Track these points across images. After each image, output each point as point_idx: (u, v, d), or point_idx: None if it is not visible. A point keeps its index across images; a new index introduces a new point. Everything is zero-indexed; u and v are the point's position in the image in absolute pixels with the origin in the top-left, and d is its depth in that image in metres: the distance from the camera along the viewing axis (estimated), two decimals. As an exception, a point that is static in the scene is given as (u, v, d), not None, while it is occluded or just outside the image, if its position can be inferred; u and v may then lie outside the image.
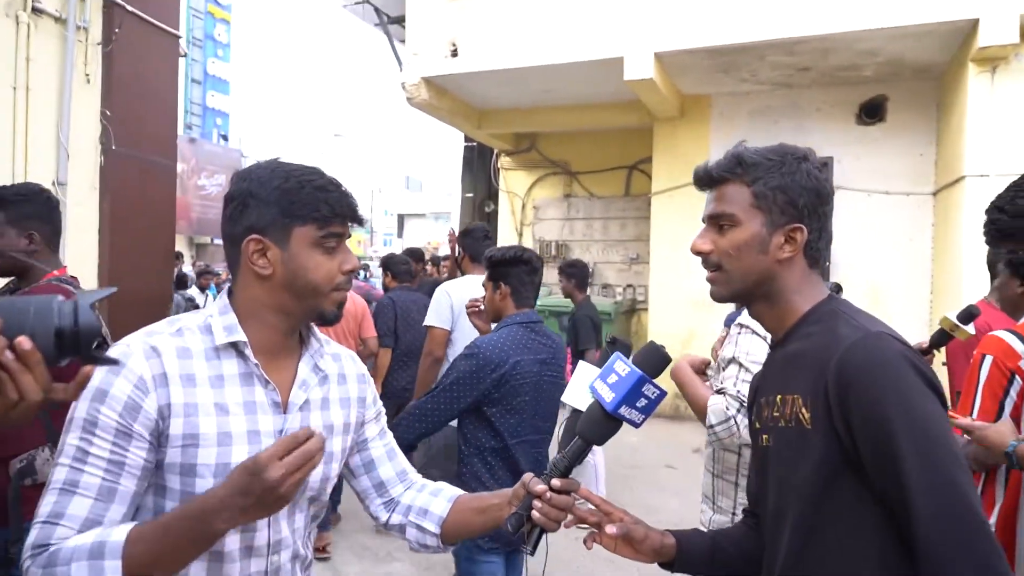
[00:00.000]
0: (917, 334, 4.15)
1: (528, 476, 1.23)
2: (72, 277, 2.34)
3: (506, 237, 10.28)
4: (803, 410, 1.10)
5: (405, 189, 48.77)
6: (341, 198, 1.19)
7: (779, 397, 1.16)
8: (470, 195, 11.05)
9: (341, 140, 49.82)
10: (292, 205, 1.16)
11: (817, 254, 1.21)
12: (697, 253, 1.24)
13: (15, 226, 2.17)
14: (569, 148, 9.98)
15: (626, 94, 7.50)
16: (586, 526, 1.28)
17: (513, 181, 10.44)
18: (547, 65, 7.18)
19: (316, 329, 1.32)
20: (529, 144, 10.13)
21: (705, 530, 1.65)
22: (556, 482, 1.19)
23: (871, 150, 7.24)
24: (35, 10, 4.42)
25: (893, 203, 7.19)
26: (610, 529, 1.24)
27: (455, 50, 7.54)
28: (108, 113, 4.94)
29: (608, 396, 1.18)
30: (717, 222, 1.21)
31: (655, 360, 1.22)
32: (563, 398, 1.32)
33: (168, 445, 1.10)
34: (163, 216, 5.64)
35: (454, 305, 3.42)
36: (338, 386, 1.32)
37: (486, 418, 2.33)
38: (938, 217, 7.00)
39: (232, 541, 1.14)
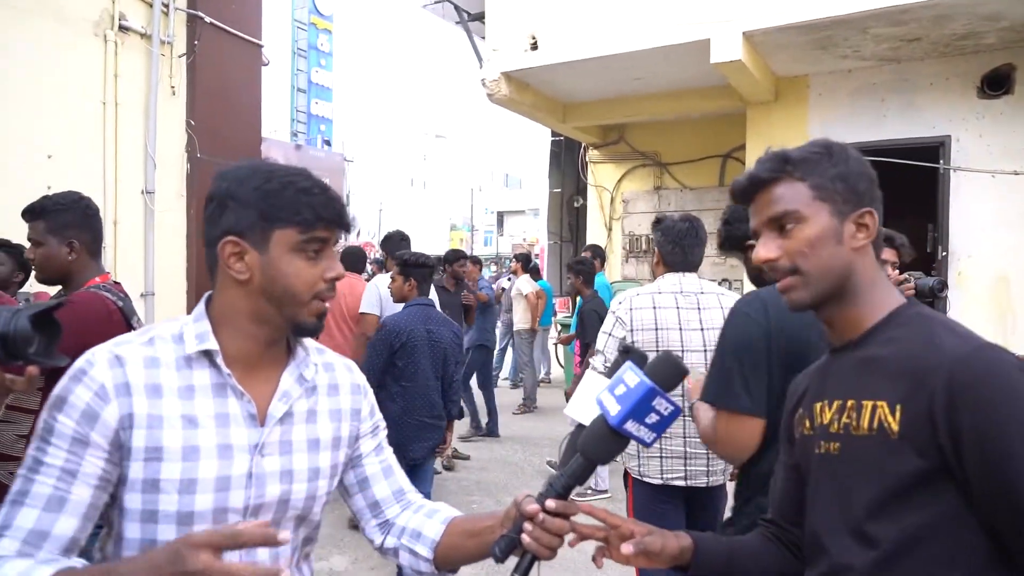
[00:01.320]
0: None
1: (522, 495, 1.09)
2: (115, 283, 2.37)
3: (595, 232, 10.04)
4: (889, 418, 1.02)
5: (504, 187, 49.22)
6: (327, 201, 1.11)
7: (852, 402, 1.08)
8: (558, 190, 10.89)
9: (443, 141, 50.90)
10: (272, 207, 1.08)
11: (880, 245, 1.16)
12: (764, 263, 1.16)
13: (56, 235, 2.22)
14: (659, 138, 9.59)
15: (716, 79, 7.09)
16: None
17: (601, 175, 10.17)
18: (629, 52, 6.88)
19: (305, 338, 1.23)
20: (617, 136, 9.83)
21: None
22: (551, 503, 1.05)
23: (996, 126, 6.48)
24: (122, 28, 4.65)
25: (1023, 184, 6.42)
26: (626, 548, 1.14)
27: (535, 43, 7.39)
28: (192, 123, 5.15)
29: (614, 409, 1.05)
30: (778, 224, 1.14)
31: (669, 371, 1.08)
32: (566, 411, 1.18)
33: (130, 459, 1.04)
34: (249, 220, 5.83)
35: (383, 296, 4.25)
36: (328, 397, 1.23)
37: (397, 367, 3.58)
38: (1078, 199, 6.19)
39: None
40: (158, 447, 1.05)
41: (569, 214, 10.99)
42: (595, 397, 1.10)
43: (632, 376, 1.06)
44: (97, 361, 1.06)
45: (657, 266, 2.85)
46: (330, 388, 1.25)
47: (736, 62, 6.28)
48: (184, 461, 1.06)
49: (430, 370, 3.66)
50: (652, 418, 1.05)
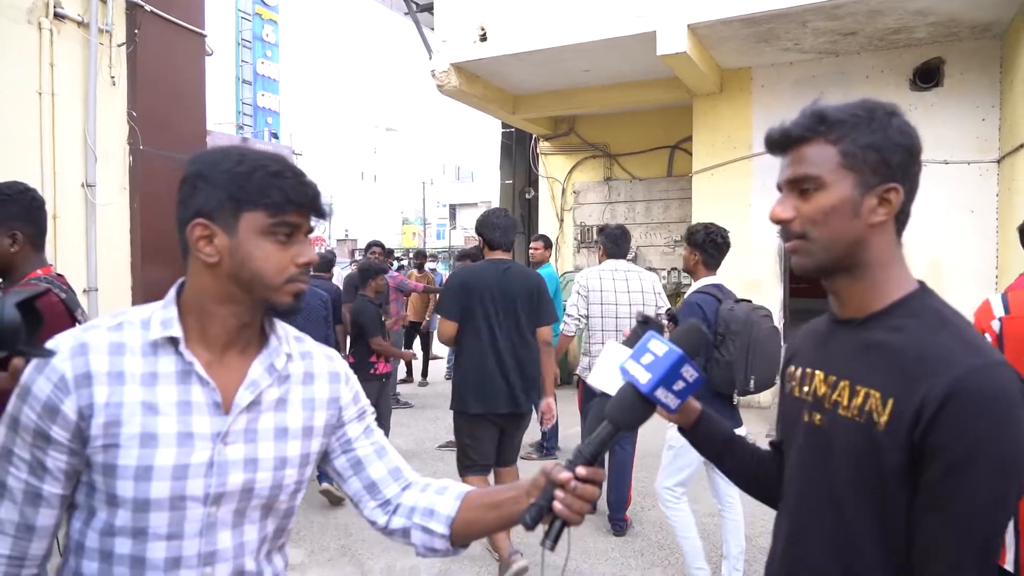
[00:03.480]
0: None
1: (550, 464, 1.11)
2: (58, 275, 2.33)
3: (547, 223, 10.13)
4: (879, 409, 1.02)
5: (456, 180, 49.06)
6: (298, 186, 1.10)
7: (845, 383, 1.09)
8: (509, 182, 10.93)
9: (393, 134, 50.42)
10: (241, 189, 1.07)
11: (906, 219, 1.12)
12: (777, 222, 1.13)
13: None
14: (609, 130, 9.73)
15: (664, 71, 7.24)
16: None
17: (552, 166, 10.26)
18: (577, 44, 6.97)
19: (282, 325, 1.23)
20: (568, 128, 9.93)
21: None
22: (582, 470, 1.07)
23: (927, 117, 6.77)
24: (57, 16, 4.49)
25: (953, 173, 6.72)
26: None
27: (484, 34, 7.41)
28: (134, 114, 5.01)
29: (643, 377, 1.08)
30: (799, 186, 1.10)
31: (693, 340, 1.12)
32: (589, 380, 1.21)
33: (90, 445, 1.04)
34: (195, 214, 5.73)
35: None
36: (302, 386, 1.22)
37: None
38: (1003, 186, 6.52)
39: (156, 548, 1.06)
40: (116, 434, 1.05)
41: (521, 206, 11.05)
42: (618, 366, 1.12)
43: (659, 345, 1.09)
44: (60, 349, 1.06)
45: (602, 257, 4.58)
46: (305, 377, 1.23)
47: (682, 54, 6.42)
48: (141, 448, 1.05)
49: (310, 329, 4.52)
50: (679, 385, 1.08)
